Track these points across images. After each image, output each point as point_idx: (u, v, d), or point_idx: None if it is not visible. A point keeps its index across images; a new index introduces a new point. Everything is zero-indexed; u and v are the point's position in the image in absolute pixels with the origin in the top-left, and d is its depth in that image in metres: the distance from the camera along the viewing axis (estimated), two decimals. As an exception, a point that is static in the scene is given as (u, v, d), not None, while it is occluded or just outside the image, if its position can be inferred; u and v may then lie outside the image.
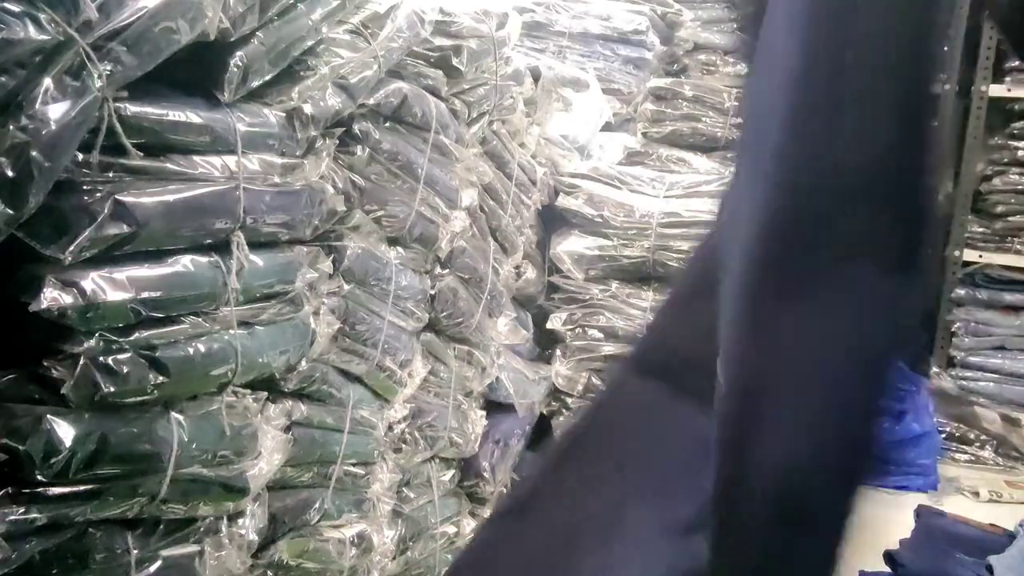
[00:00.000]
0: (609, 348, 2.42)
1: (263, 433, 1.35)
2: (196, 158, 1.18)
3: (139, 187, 1.09)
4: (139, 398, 1.12)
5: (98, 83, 0.98)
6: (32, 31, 0.91)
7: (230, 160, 1.22)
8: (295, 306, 1.39)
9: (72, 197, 1.03)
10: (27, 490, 1.03)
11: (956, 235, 3.65)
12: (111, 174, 1.06)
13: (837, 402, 0.49)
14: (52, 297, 1.01)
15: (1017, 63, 3.49)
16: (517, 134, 2.19)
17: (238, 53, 1.21)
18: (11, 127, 0.92)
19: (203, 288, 1.20)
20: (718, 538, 0.53)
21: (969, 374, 3.56)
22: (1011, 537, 2.19)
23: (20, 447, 0.99)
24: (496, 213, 2.08)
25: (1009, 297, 3.58)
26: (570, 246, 2.45)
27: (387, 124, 1.61)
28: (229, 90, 1.21)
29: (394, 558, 1.82)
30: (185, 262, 1.17)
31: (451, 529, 2.08)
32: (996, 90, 3.52)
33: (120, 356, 1.09)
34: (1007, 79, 3.52)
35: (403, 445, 1.84)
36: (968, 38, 3.56)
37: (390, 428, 1.78)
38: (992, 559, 1.99)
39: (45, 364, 1.06)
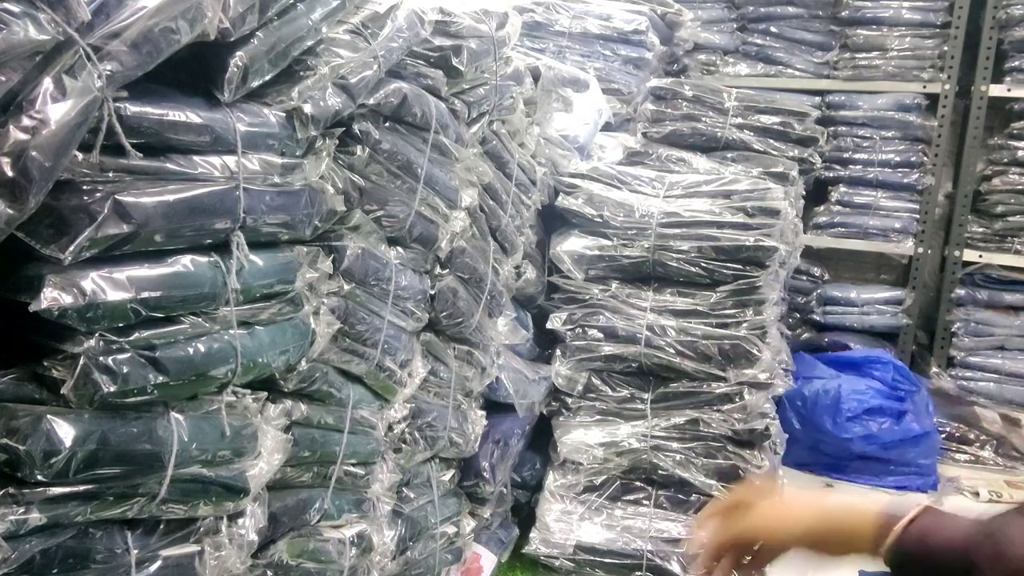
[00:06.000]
0: (609, 348, 2.41)
1: (263, 433, 1.35)
2: (196, 158, 1.18)
3: (139, 187, 1.09)
4: (139, 398, 1.12)
5: (98, 83, 0.98)
6: (32, 31, 0.91)
7: (230, 160, 1.22)
8: (295, 306, 1.39)
9: (72, 197, 1.03)
10: (27, 490, 1.03)
11: (956, 235, 3.65)
12: (111, 174, 1.06)
13: None
14: (52, 297, 1.01)
15: (1017, 63, 3.49)
16: (517, 134, 2.18)
17: (238, 53, 1.21)
18: (11, 127, 0.92)
19: (203, 288, 1.20)
20: None
21: (969, 374, 3.56)
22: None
23: (20, 447, 1.00)
24: (496, 213, 2.07)
25: (1009, 297, 3.58)
26: (570, 246, 2.45)
27: (387, 124, 1.61)
28: (229, 90, 1.21)
29: (394, 558, 1.82)
30: (185, 262, 1.17)
31: (451, 529, 2.08)
32: (996, 90, 3.52)
33: (120, 356, 1.09)
34: (1007, 79, 3.52)
35: (403, 445, 1.84)
36: (968, 38, 3.56)
37: (390, 428, 1.78)
38: None
39: (45, 364, 1.06)
